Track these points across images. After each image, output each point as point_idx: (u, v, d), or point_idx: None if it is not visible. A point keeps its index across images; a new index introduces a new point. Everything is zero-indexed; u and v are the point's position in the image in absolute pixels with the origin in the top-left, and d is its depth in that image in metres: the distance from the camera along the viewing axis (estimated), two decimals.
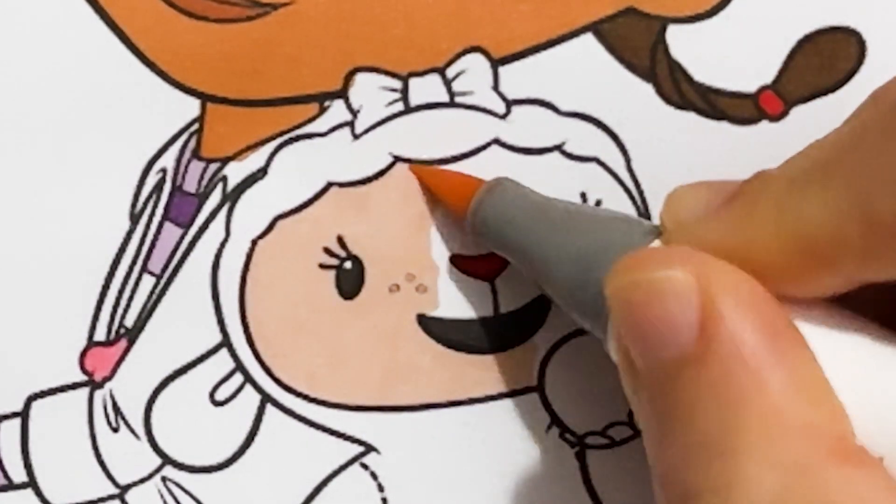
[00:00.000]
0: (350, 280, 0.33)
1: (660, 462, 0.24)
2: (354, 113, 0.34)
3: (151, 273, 0.33)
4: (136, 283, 0.33)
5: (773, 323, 0.24)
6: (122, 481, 0.34)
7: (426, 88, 0.34)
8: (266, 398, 0.34)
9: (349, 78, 0.33)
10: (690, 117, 0.34)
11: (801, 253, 0.24)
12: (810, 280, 0.24)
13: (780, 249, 0.24)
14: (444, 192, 0.33)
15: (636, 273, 0.24)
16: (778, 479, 0.22)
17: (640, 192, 0.34)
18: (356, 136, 0.34)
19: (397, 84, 0.33)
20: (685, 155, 0.34)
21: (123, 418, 0.33)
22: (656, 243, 0.27)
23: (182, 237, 0.34)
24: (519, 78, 0.34)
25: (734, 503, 0.22)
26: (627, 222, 0.29)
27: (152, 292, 0.33)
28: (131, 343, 0.34)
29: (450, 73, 0.34)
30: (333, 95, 0.34)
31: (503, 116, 0.34)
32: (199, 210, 0.34)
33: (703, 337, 0.23)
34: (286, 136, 0.34)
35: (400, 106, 0.34)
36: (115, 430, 0.34)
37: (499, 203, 0.31)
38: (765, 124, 0.34)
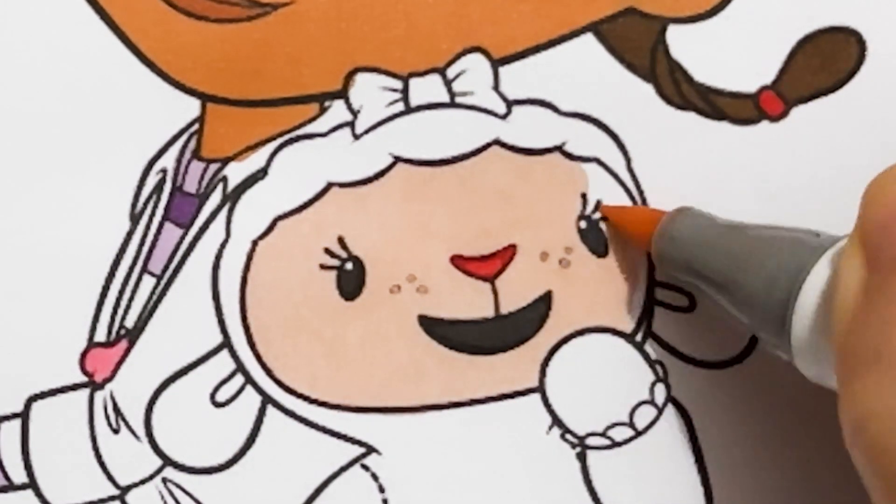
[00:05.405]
0: (351, 281, 0.33)
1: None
2: (355, 113, 0.33)
3: (152, 274, 0.33)
4: (137, 284, 0.33)
5: None
6: (123, 482, 0.33)
7: (427, 88, 0.33)
8: (267, 399, 0.33)
9: (349, 78, 0.33)
10: (690, 117, 0.34)
11: None
12: None
13: None
14: (627, 223, 0.33)
15: None
16: None
17: (641, 193, 0.34)
18: (356, 137, 0.33)
19: (398, 84, 0.33)
20: (685, 155, 0.34)
21: (124, 419, 0.33)
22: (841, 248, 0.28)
23: (182, 238, 0.33)
24: (519, 78, 0.34)
25: None
26: (803, 241, 0.29)
27: (153, 293, 0.33)
28: (132, 344, 0.33)
29: (450, 73, 0.33)
30: (334, 95, 0.33)
31: (504, 116, 0.34)
32: (199, 210, 0.33)
33: None
34: (286, 137, 0.33)
35: (400, 106, 0.33)
36: (116, 431, 0.33)
37: (681, 230, 0.32)
38: (765, 124, 0.34)
